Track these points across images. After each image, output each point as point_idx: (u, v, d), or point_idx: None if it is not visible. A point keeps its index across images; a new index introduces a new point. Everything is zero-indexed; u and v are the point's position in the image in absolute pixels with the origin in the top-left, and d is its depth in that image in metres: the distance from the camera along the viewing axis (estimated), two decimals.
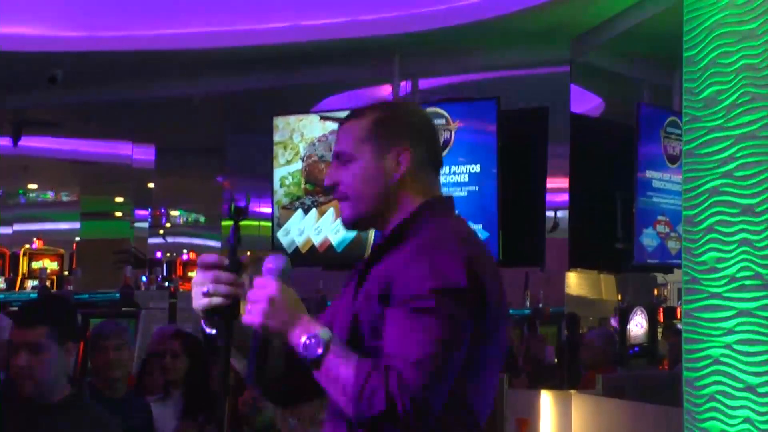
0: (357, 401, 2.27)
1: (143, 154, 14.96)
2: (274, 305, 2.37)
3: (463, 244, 2.44)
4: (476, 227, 7.60)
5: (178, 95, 11.58)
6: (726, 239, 5.17)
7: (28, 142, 14.70)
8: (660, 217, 8.22)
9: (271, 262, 2.44)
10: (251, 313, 2.38)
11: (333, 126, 8.33)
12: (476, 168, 7.68)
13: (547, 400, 7.46)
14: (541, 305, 10.68)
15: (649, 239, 8.10)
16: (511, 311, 12.14)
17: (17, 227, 20.15)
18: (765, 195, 5.03)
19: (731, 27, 5.32)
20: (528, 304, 10.82)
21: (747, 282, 5.03)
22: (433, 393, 2.27)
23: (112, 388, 5.16)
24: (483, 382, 2.47)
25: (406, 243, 2.47)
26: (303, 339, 2.35)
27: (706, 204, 5.32)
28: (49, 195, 20.71)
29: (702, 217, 5.31)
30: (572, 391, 7.52)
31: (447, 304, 2.32)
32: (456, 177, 7.74)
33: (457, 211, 2.68)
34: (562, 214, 8.46)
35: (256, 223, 13.44)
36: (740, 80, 5.24)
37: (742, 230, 5.11)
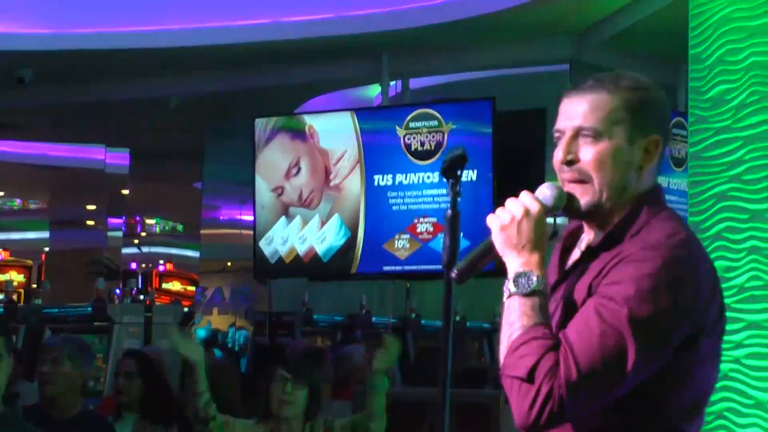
0: (508, 354, 2.31)
1: (117, 158, 14.96)
2: (516, 223, 2.40)
3: (692, 261, 2.37)
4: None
5: (153, 96, 11.57)
6: (734, 247, 5.19)
7: None
8: None
9: (547, 188, 2.46)
10: (493, 217, 2.44)
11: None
12: (472, 173, 7.68)
13: None
14: None
15: None
16: None
17: None
18: None
19: (740, 22, 5.35)
20: None
21: (757, 292, 5.05)
22: (576, 399, 2.26)
23: (53, 406, 5.05)
24: (700, 412, 2.44)
25: (624, 243, 2.42)
26: (518, 271, 2.37)
27: (713, 210, 5.34)
28: (17, 203, 20.66)
29: (709, 223, 5.33)
30: None
31: (644, 327, 2.27)
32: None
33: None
34: (561, 220, 8.48)
35: (237, 231, 13.46)
36: (749, 78, 5.27)
37: (751, 237, 5.14)
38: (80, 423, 5.08)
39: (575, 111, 2.48)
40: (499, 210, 2.44)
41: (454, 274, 2.46)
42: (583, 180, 2.46)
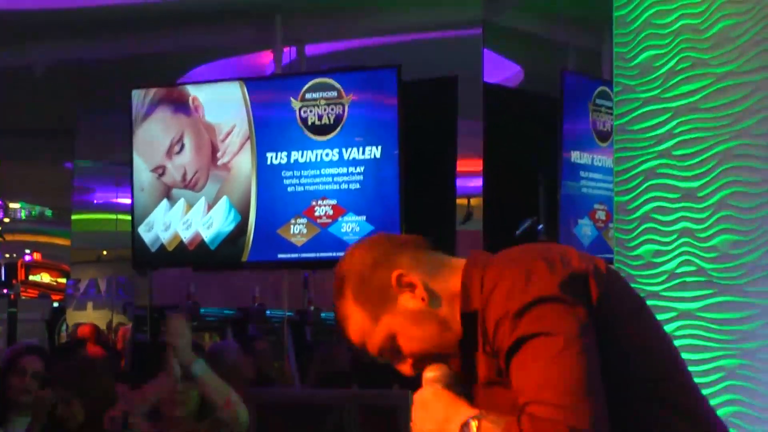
0: None
1: None
2: (427, 409, 2.64)
3: (532, 257, 2.65)
4: (365, 220, 7.62)
5: (16, 65, 11.42)
6: (664, 229, 5.24)
7: None
8: (597, 206, 8.31)
9: (429, 371, 2.69)
10: (414, 422, 2.66)
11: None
12: (376, 150, 7.68)
13: None
14: None
15: (585, 230, 8.19)
16: None
17: None
18: (708, 177, 5.11)
19: None
20: None
21: (688, 279, 5.10)
22: (575, 413, 2.42)
23: None
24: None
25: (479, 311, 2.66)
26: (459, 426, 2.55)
27: (641, 188, 5.39)
28: None
29: (636, 203, 5.38)
30: None
31: (546, 316, 2.51)
32: (352, 159, 7.74)
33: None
34: (476, 201, 8.52)
35: (113, 216, 13.34)
36: (679, 44, 5.31)
37: (682, 218, 5.19)
38: None
39: (361, 349, 2.76)
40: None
41: None
42: (427, 360, 2.72)
